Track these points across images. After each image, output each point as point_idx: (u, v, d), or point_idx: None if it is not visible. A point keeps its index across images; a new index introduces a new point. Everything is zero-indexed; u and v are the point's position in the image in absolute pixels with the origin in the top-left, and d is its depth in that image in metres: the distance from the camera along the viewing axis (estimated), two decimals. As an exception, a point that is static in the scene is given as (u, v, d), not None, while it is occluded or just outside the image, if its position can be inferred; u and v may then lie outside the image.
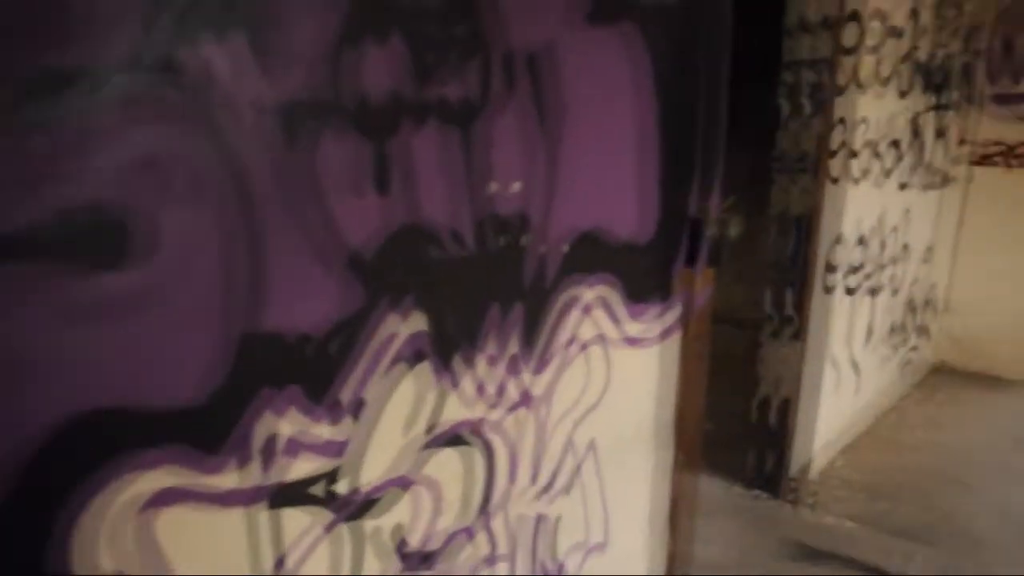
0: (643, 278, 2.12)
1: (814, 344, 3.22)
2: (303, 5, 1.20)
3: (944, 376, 4.62)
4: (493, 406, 1.72)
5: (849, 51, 2.96)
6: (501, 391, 1.72)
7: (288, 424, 1.30)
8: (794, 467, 3.35)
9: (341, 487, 1.43)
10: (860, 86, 3.02)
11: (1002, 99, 4.21)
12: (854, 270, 3.37)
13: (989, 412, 4.24)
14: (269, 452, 1.30)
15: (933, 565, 2.98)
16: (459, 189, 1.51)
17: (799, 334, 3.15)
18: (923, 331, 4.39)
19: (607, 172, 1.91)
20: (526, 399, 1.79)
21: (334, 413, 1.39)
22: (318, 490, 1.40)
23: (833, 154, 3.02)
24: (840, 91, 2.97)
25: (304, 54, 1.21)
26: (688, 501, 2.50)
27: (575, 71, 1.70)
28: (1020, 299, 4.41)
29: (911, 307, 4.10)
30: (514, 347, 1.72)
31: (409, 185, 1.40)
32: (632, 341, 2.13)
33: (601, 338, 1.99)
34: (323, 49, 1.23)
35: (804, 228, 3.03)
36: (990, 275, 4.45)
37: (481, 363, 1.66)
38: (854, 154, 3.07)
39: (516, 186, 1.63)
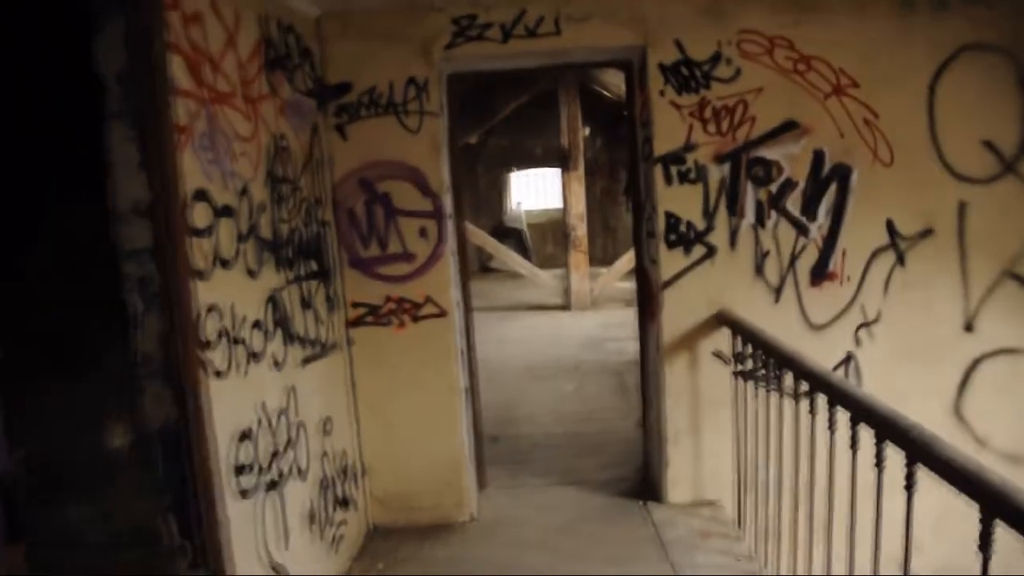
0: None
1: (217, 565, 2.75)
2: None
3: (380, 540, 4.54)
4: None
5: (198, 232, 2.74)
6: None
7: None
8: None
9: None
10: (200, 273, 2.76)
11: (357, 263, 4.42)
12: (247, 470, 3.00)
13: (429, 562, 4.24)
14: None
15: None
16: None
17: (199, 559, 2.68)
18: (346, 503, 4.24)
19: None
20: None
21: None
22: None
23: (204, 346, 2.72)
24: (201, 275, 2.74)
25: None
26: None
27: None
28: (420, 454, 4.58)
29: (324, 485, 3.90)
30: None
31: None
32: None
33: None
34: None
35: (175, 442, 2.61)
36: (391, 432, 4.55)
37: None
38: (208, 346, 2.76)
39: None
